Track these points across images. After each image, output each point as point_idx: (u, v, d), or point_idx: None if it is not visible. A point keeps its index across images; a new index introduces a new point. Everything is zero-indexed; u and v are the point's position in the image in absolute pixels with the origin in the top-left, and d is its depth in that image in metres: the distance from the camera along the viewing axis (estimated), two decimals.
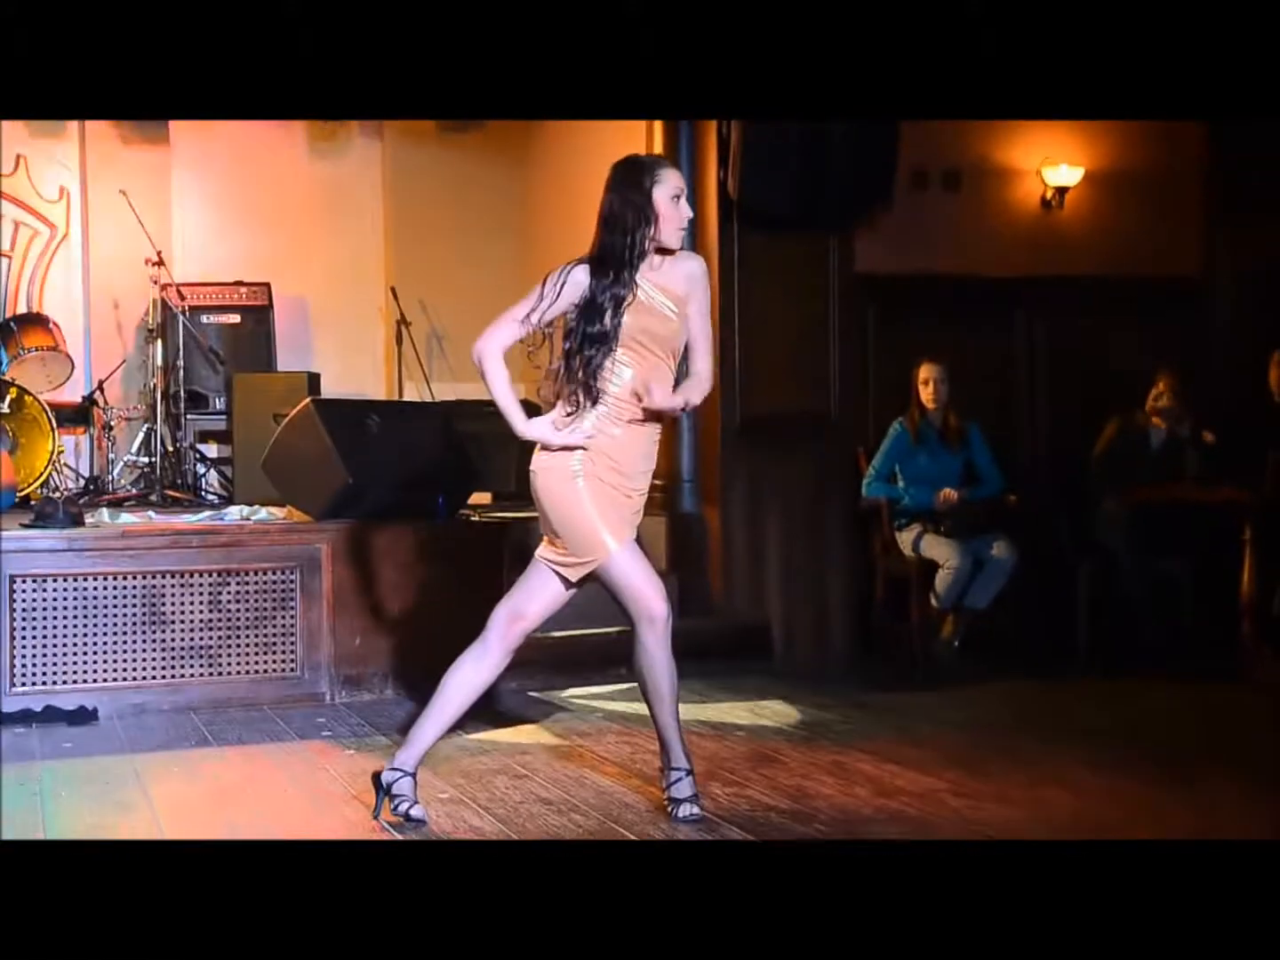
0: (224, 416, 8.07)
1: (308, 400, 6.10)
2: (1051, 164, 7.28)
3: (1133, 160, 7.37)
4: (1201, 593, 6.26)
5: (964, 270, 7.06)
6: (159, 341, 8.05)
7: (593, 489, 3.70)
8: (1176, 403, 6.44)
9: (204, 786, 4.24)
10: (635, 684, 5.51)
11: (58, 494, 7.13)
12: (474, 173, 9.16)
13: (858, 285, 6.81)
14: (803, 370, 6.71)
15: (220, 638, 5.48)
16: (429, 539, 5.84)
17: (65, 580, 5.29)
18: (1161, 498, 6.28)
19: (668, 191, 3.70)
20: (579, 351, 3.69)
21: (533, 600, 3.81)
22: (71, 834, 3.70)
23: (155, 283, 8.01)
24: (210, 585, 5.48)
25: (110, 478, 7.93)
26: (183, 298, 8.09)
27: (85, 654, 5.30)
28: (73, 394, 8.07)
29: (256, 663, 5.52)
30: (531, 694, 5.70)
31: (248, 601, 5.53)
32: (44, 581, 5.27)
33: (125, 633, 5.35)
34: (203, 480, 8.13)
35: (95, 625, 5.32)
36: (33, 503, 6.47)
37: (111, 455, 8.06)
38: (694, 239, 6.74)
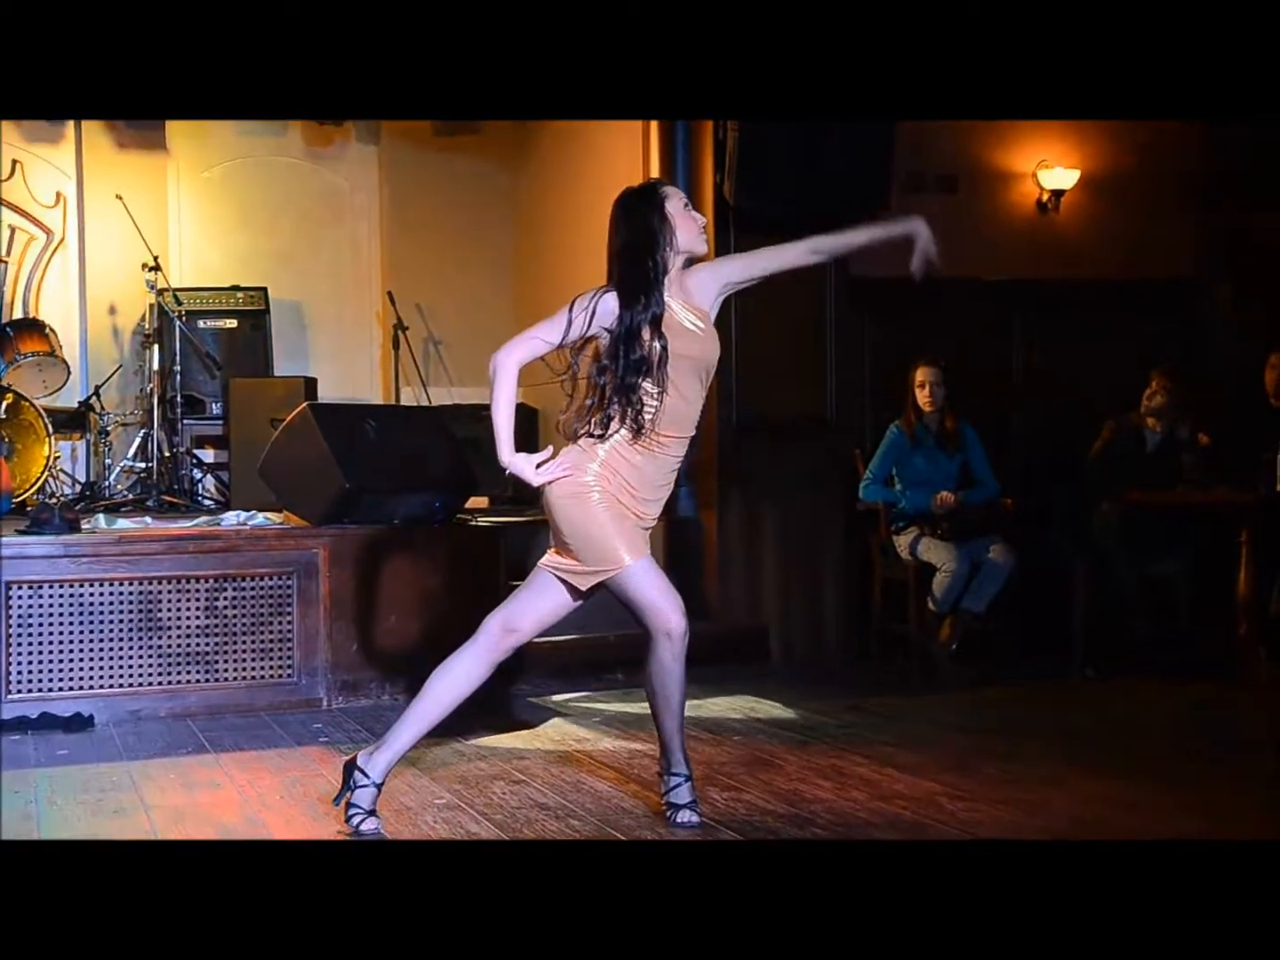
0: (221, 421, 8.07)
1: (305, 405, 6.10)
2: (1047, 167, 7.29)
3: (1128, 162, 7.39)
4: (1197, 595, 6.25)
5: (960, 273, 7.02)
6: (155, 346, 8.05)
7: (608, 504, 3.66)
8: (1170, 401, 6.44)
9: (201, 794, 4.22)
10: (630, 688, 5.57)
11: (54, 500, 7.11)
12: (470, 176, 9.16)
13: (855, 289, 6.81)
14: (799, 373, 6.71)
15: (217, 643, 5.47)
16: (426, 544, 5.84)
17: (61, 586, 5.28)
18: (1157, 500, 6.27)
19: (678, 203, 3.71)
20: (622, 380, 3.63)
21: (529, 612, 3.77)
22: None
23: (152, 287, 8.01)
24: (207, 591, 5.47)
25: (107, 483, 7.92)
26: (179, 303, 8.09)
27: (81, 660, 5.29)
28: (69, 399, 8.06)
29: (253, 668, 5.52)
30: (529, 699, 5.69)
31: (244, 607, 5.52)
32: (40, 588, 5.25)
33: (121, 639, 5.34)
34: (199, 485, 8.12)
35: (91, 631, 5.31)
36: (29, 509, 6.47)
37: (108, 461, 8.04)
38: None
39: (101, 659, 5.31)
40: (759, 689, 5.86)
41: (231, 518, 6.24)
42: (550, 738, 5.03)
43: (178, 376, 8.06)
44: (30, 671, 5.21)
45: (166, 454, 7.93)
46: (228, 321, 8.41)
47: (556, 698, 5.75)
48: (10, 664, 5.18)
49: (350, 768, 3.77)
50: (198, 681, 5.43)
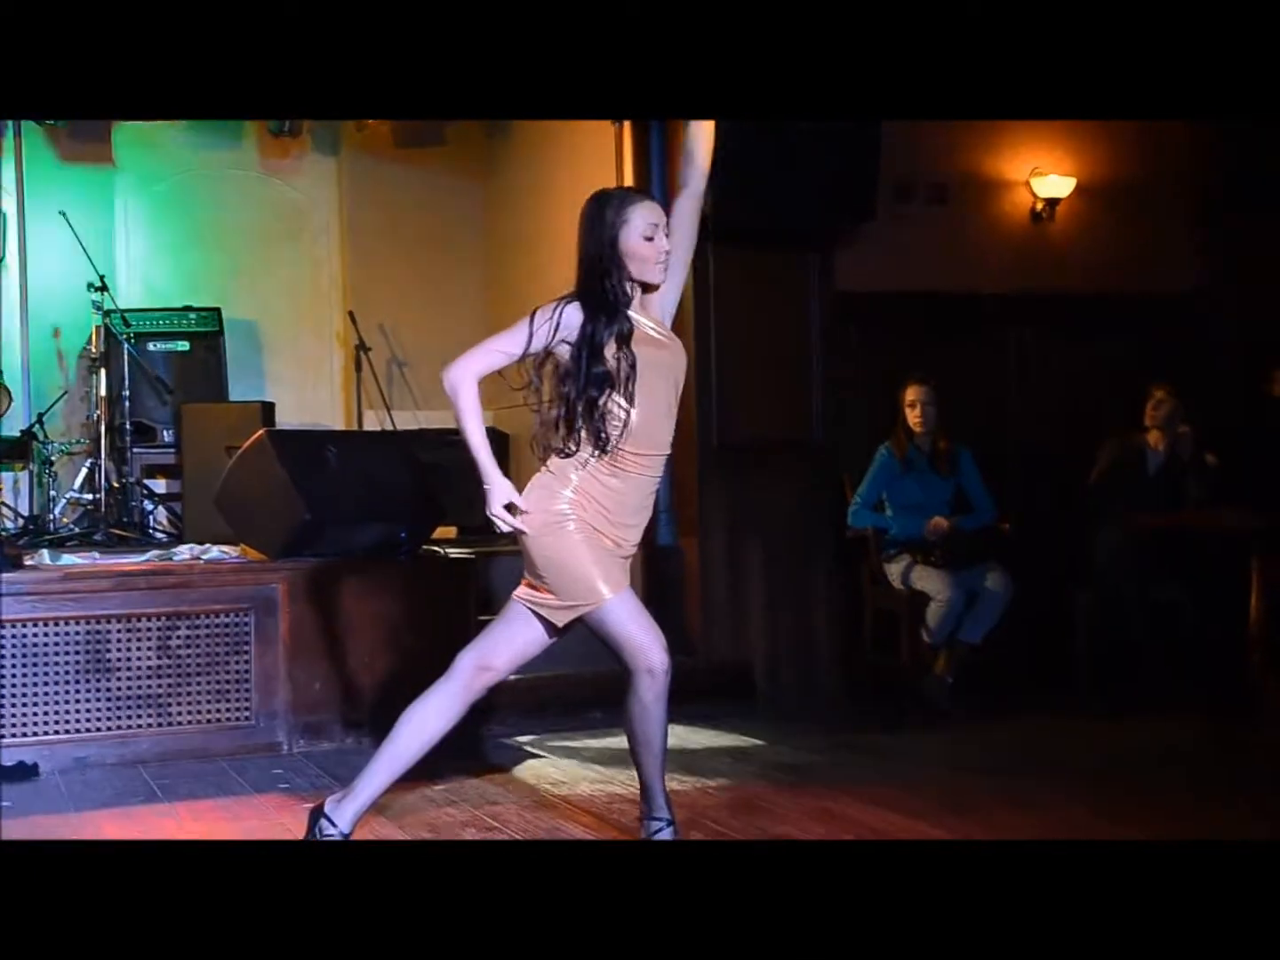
0: (173, 450, 8.05)
1: (262, 431, 6.08)
2: (1041, 174, 7.32)
3: (1126, 169, 7.43)
4: (1205, 622, 6.26)
5: (951, 287, 7.10)
6: (102, 371, 8.01)
7: (585, 535, 3.65)
8: (1175, 410, 6.46)
9: None
10: (609, 728, 5.54)
11: None
12: (435, 189, 9.19)
13: (841, 303, 6.83)
14: (783, 393, 6.72)
15: (169, 685, 5.43)
16: (392, 577, 5.82)
17: (3, 627, 5.24)
18: (1163, 524, 6.30)
19: (637, 231, 3.63)
20: (583, 394, 3.62)
21: (504, 648, 3.76)
22: None
23: (98, 309, 7.98)
24: (159, 629, 5.44)
25: (51, 516, 7.88)
26: (128, 324, 8.07)
27: (24, 705, 5.24)
28: (11, 427, 8.05)
29: (208, 711, 5.48)
30: (501, 739, 5.66)
31: (199, 646, 5.49)
32: None
33: (67, 682, 5.31)
34: (150, 518, 8.08)
35: (35, 674, 5.27)
36: None
37: (53, 492, 8.01)
38: None
39: (46, 703, 5.26)
40: (744, 727, 5.85)
41: (185, 551, 6.22)
42: (524, 781, 5.02)
43: (126, 402, 8.03)
44: None
45: (115, 484, 7.89)
46: (179, 344, 8.40)
47: (530, 738, 5.73)
48: None
49: (316, 815, 3.75)
50: (149, 726, 5.39)
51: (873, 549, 6.48)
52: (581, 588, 3.63)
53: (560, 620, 3.69)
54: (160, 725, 5.41)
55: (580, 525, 3.65)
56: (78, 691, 5.31)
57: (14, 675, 5.24)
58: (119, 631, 5.39)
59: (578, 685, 5.93)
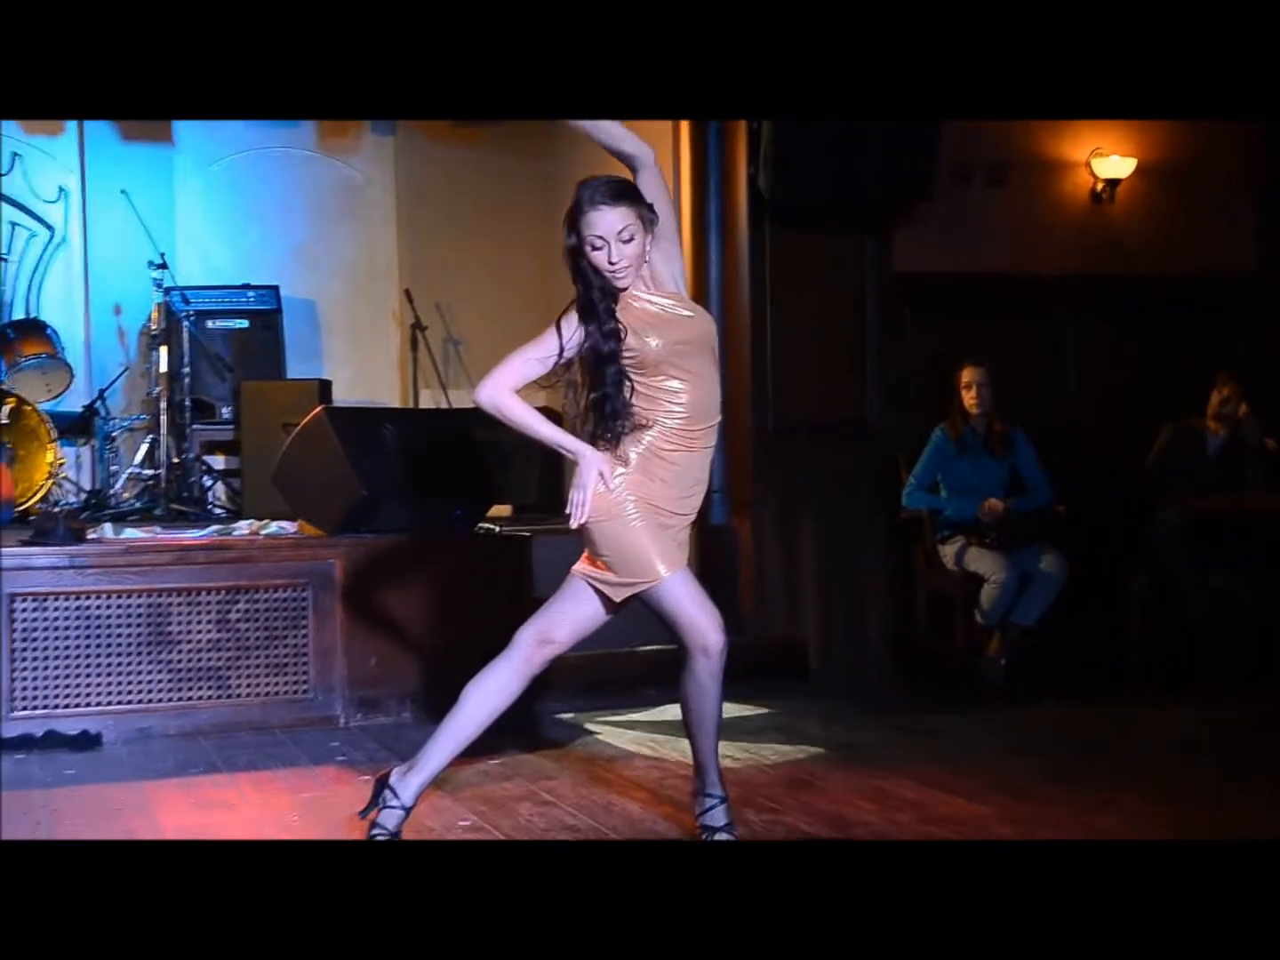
0: (231, 426, 8.11)
1: (319, 408, 6.15)
2: (1102, 155, 7.28)
3: (1188, 150, 7.35)
4: (1264, 607, 6.23)
5: (1009, 269, 7.07)
6: (163, 348, 8.06)
7: (644, 512, 3.67)
8: (1244, 406, 6.44)
9: (214, 814, 4.27)
10: (663, 705, 5.58)
11: (58, 509, 7.19)
12: (491, 168, 9.20)
13: (897, 285, 6.83)
14: (838, 375, 6.73)
15: (229, 658, 5.51)
16: (447, 554, 5.87)
17: (66, 599, 5.34)
18: (1222, 507, 6.27)
19: (587, 244, 3.64)
20: (602, 394, 3.67)
21: (565, 622, 3.78)
22: None
23: (158, 286, 8.04)
24: (218, 603, 5.52)
25: (113, 491, 7.98)
26: (187, 302, 8.14)
27: (88, 676, 5.34)
28: (73, 403, 8.13)
29: (267, 684, 5.56)
30: (556, 716, 5.71)
31: (258, 620, 5.56)
32: (44, 600, 5.31)
33: (130, 654, 5.39)
34: (210, 493, 8.17)
35: (98, 646, 5.36)
36: (32, 518, 6.54)
37: (114, 467, 8.12)
38: (723, 239, 6.80)
39: (109, 675, 5.35)
40: (797, 705, 5.88)
41: (243, 527, 6.28)
42: (579, 757, 5.06)
43: (186, 379, 8.10)
44: (35, 688, 5.27)
45: (175, 460, 7.96)
46: (238, 321, 8.44)
47: (585, 715, 5.76)
48: (14, 680, 5.24)
49: (381, 785, 3.80)
50: (210, 698, 5.47)
51: (927, 530, 6.49)
52: (639, 566, 3.67)
53: (618, 596, 3.73)
54: (220, 697, 5.49)
55: (639, 504, 3.68)
56: (140, 663, 5.40)
57: (78, 646, 5.33)
58: (180, 605, 5.47)
59: (631, 663, 5.97)
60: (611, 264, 3.63)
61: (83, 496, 7.96)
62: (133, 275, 8.41)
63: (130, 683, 5.38)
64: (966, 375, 6.45)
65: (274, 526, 6.23)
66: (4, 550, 5.36)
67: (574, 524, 3.70)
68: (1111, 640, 6.48)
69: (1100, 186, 7.33)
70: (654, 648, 5.86)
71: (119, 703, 5.36)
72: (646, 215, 3.68)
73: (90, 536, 5.78)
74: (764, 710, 5.79)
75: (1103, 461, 7.05)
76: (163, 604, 5.45)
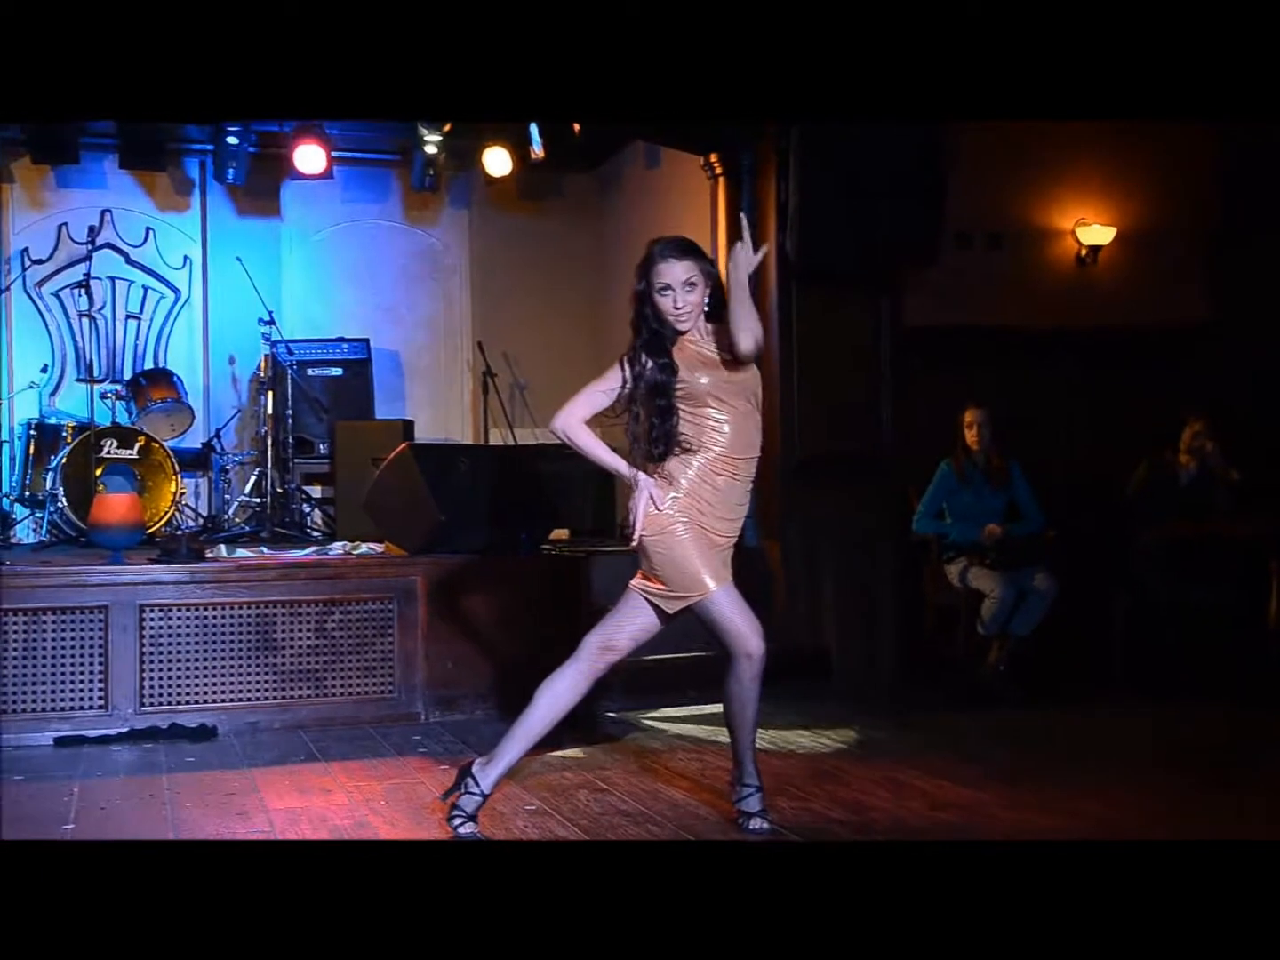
0: (327, 460, 8.14)
1: (404, 445, 6.17)
2: (1085, 224, 7.26)
3: (1159, 220, 7.33)
4: (1232, 621, 6.15)
5: (1006, 322, 7.04)
6: (270, 393, 8.14)
7: (693, 533, 3.67)
8: (1213, 441, 6.38)
9: (314, 798, 4.28)
10: (702, 705, 5.56)
11: (180, 532, 7.24)
12: (552, 235, 9.27)
13: (907, 337, 6.82)
14: (856, 415, 6.71)
15: (325, 662, 5.53)
16: (514, 572, 5.87)
17: (187, 610, 5.38)
18: (1193, 532, 6.20)
19: (655, 288, 3.65)
20: (655, 421, 3.68)
21: (624, 631, 3.77)
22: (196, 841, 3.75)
23: (267, 339, 8.10)
24: (316, 614, 5.54)
25: (226, 516, 8.03)
26: (291, 353, 8.20)
27: (205, 676, 5.37)
28: (193, 440, 8.21)
29: (358, 685, 5.57)
30: (609, 715, 5.69)
31: (350, 629, 5.58)
32: (169, 611, 5.35)
33: (241, 657, 5.42)
34: (308, 519, 8.20)
35: (214, 650, 5.39)
36: (158, 540, 6.59)
37: (227, 496, 8.17)
38: (756, 297, 6.75)
39: (223, 675, 5.39)
40: (821, 706, 5.83)
41: (338, 547, 6.32)
42: (630, 750, 5.04)
43: (289, 420, 8.14)
44: (161, 686, 5.31)
45: (279, 490, 8.00)
46: (334, 370, 8.49)
47: (635, 714, 5.74)
48: (144, 680, 5.28)
49: (464, 773, 3.80)
50: (308, 696, 5.49)
51: (934, 552, 6.44)
52: (690, 581, 3.66)
53: (671, 609, 3.72)
54: (317, 696, 5.50)
55: (689, 526, 3.67)
56: (249, 665, 5.42)
57: (197, 651, 5.36)
58: (283, 615, 5.50)
59: (675, 669, 5.93)
60: (676, 308, 3.65)
61: (201, 521, 8.01)
62: (245, 330, 8.48)
63: (241, 682, 5.41)
64: (968, 416, 6.42)
65: (364, 547, 6.26)
66: (135, 567, 5.42)
67: (632, 537, 3.69)
68: (1096, 649, 6.40)
69: (1084, 252, 7.30)
70: (695, 655, 5.83)
71: (231, 700, 5.39)
72: (708, 269, 3.70)
73: (208, 556, 5.83)
74: (791, 709, 5.74)
75: (1089, 492, 6.98)
76: (269, 614, 5.48)
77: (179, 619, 5.36)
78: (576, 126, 7.62)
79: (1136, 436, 6.72)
